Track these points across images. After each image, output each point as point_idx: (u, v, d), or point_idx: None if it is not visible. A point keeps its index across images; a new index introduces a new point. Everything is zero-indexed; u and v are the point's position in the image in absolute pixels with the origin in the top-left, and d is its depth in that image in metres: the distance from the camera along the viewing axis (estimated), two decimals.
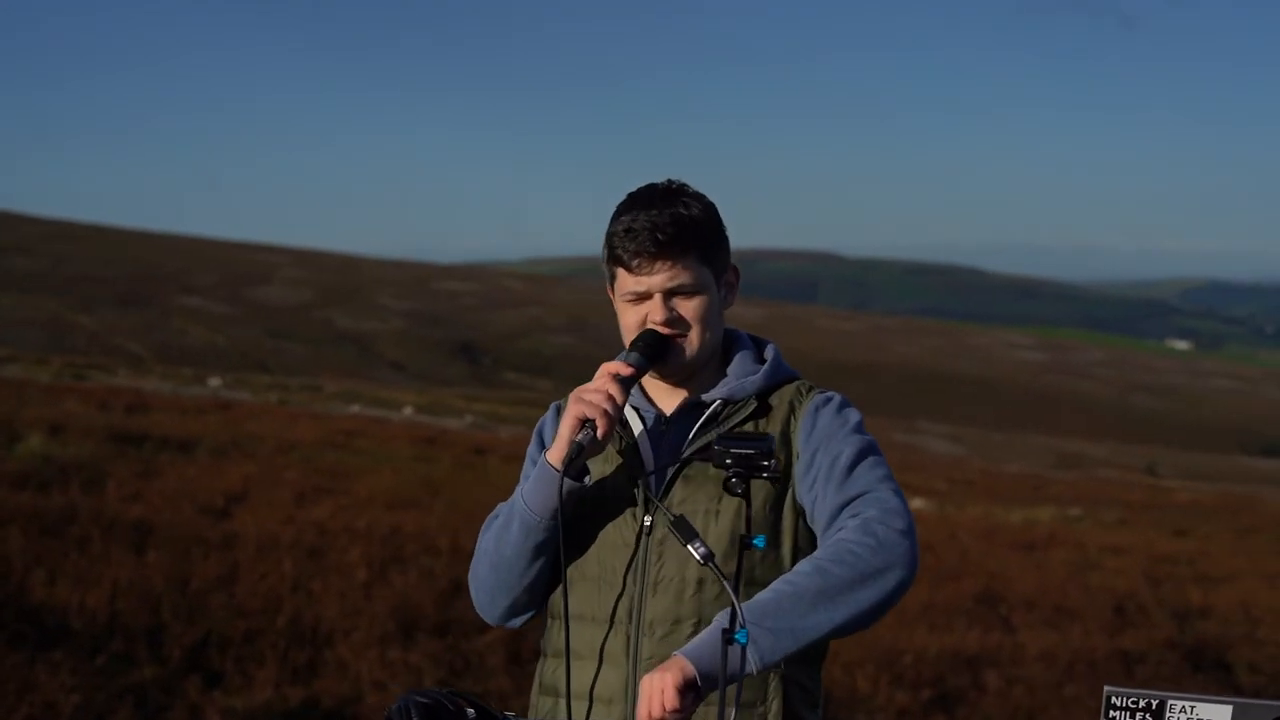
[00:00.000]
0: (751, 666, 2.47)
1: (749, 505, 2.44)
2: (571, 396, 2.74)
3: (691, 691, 2.42)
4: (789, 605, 2.52)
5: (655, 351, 2.76)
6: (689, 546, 2.45)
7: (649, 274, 2.75)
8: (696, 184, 2.83)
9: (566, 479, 2.68)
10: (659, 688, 2.46)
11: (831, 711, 10.33)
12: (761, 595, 2.55)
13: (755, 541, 2.37)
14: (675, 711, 2.37)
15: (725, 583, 2.33)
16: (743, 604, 2.53)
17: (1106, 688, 1.98)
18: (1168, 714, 1.96)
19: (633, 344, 2.77)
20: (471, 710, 2.16)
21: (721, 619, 2.49)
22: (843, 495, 2.68)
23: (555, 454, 2.71)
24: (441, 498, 15.75)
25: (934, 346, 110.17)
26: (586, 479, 2.73)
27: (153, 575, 10.06)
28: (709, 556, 2.42)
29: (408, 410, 34.95)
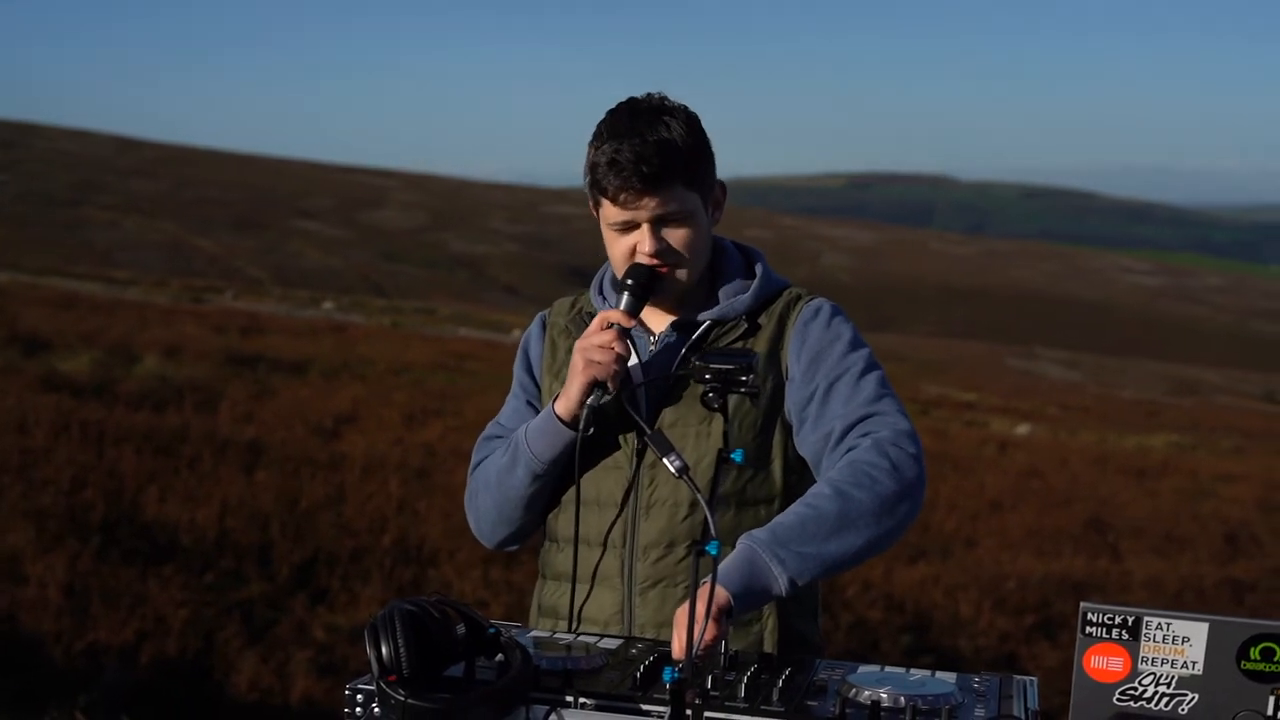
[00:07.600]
0: (781, 589, 2.44)
1: (727, 419, 2.42)
2: (576, 351, 2.68)
3: (726, 616, 2.38)
4: (813, 528, 2.47)
5: (646, 289, 2.71)
6: (665, 459, 2.41)
7: (635, 207, 2.68)
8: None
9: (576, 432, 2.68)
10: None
11: (934, 636, 10.30)
12: (783, 517, 2.50)
13: (734, 456, 2.34)
14: (712, 638, 2.35)
15: (699, 495, 2.30)
16: (765, 525, 2.50)
17: (1083, 604, 2.00)
18: (1144, 629, 1.99)
19: (622, 284, 2.72)
20: (459, 621, 2.16)
21: (746, 539, 2.47)
22: (849, 415, 2.62)
23: (565, 408, 2.69)
24: None
25: (1049, 271, 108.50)
26: (592, 429, 2.69)
27: (262, 494, 10.26)
28: (684, 469, 2.38)
29: (517, 333, 35.15)
